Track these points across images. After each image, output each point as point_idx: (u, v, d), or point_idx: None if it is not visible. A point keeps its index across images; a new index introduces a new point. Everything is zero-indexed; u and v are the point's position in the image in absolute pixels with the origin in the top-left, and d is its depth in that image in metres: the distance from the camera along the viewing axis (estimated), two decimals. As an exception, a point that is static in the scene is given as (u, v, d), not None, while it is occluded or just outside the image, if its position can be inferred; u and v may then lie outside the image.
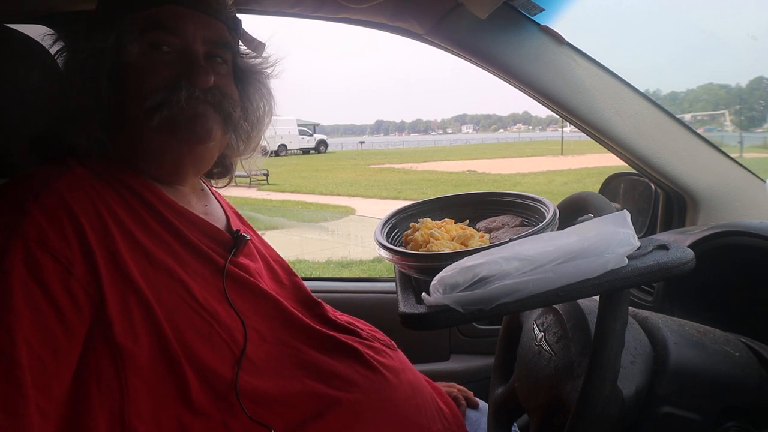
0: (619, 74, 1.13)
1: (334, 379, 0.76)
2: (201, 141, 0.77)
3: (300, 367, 0.75)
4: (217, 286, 0.74)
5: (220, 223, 0.86)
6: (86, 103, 0.74)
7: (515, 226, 0.80)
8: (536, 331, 0.80)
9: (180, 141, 0.76)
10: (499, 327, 1.00)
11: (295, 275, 0.95)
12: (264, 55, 0.90)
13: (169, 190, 0.79)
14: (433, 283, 0.58)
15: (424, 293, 0.59)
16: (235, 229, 0.84)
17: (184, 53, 0.76)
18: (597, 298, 0.61)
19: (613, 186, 1.44)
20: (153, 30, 0.75)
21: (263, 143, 0.96)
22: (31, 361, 0.57)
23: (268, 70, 0.90)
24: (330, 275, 5.31)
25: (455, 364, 1.56)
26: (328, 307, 0.92)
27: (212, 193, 0.94)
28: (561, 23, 1.11)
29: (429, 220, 0.82)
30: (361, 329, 0.89)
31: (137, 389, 0.63)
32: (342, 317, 0.92)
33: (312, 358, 0.77)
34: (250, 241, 0.84)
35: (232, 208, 0.96)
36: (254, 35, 0.88)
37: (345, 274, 5.43)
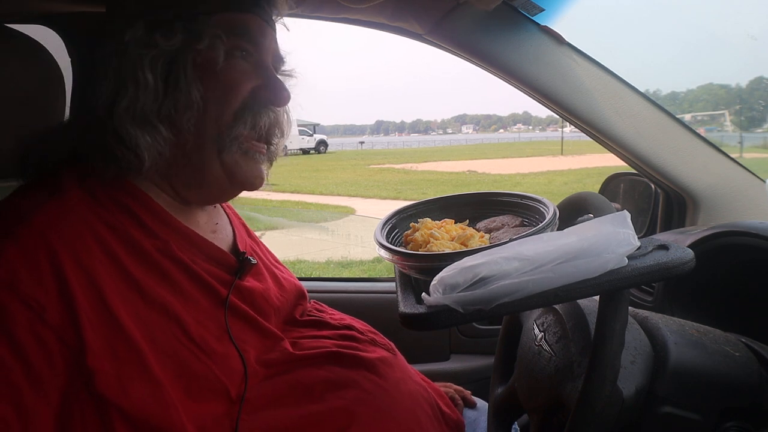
0: (619, 74, 1.13)
1: (333, 396, 0.73)
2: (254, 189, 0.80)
3: (298, 392, 0.72)
4: (218, 320, 0.70)
5: (226, 242, 0.83)
6: (165, 104, 0.69)
7: (515, 226, 0.80)
8: (536, 331, 0.80)
9: (236, 187, 0.77)
10: (499, 327, 1.00)
11: (304, 297, 0.93)
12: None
13: (179, 209, 0.76)
14: (433, 283, 0.58)
15: (424, 293, 0.59)
16: (242, 250, 0.81)
17: (260, 66, 0.75)
18: (597, 298, 0.61)
19: (613, 186, 1.44)
20: (237, 35, 0.72)
21: None
22: None
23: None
24: (330, 275, 5.31)
25: (455, 364, 1.56)
26: (327, 314, 0.92)
27: (222, 206, 0.90)
28: (561, 23, 1.12)
29: (429, 220, 0.82)
30: (361, 333, 0.87)
31: None
32: (340, 320, 0.91)
33: (310, 380, 0.74)
34: (258, 257, 0.81)
35: (239, 219, 0.93)
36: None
37: (345, 274, 5.42)
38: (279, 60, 0.80)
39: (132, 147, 0.68)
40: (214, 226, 0.83)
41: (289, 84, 0.81)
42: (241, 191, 0.79)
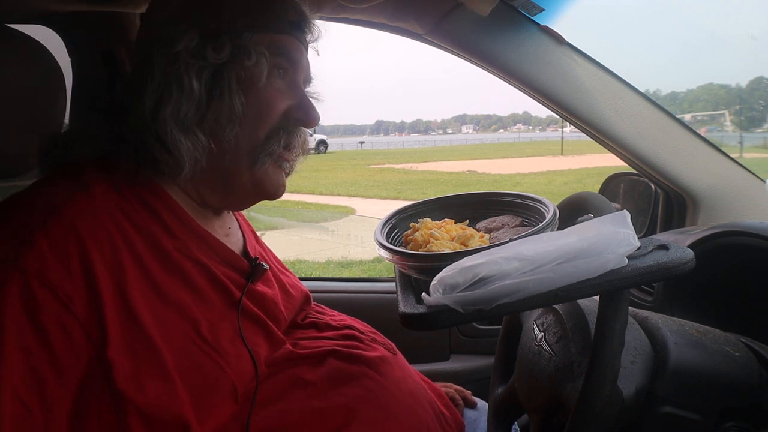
0: (619, 74, 1.13)
1: (334, 393, 0.74)
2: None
3: (300, 388, 0.74)
4: (231, 321, 0.71)
5: (238, 246, 0.83)
6: (206, 113, 0.70)
7: (515, 226, 0.80)
8: (536, 331, 0.80)
9: (260, 197, 0.78)
10: (499, 327, 1.00)
11: (309, 303, 0.94)
12: None
13: (197, 212, 0.76)
14: (433, 283, 0.58)
15: (424, 293, 0.59)
16: (253, 256, 0.82)
17: (294, 86, 0.77)
18: (597, 298, 0.61)
19: (613, 186, 1.44)
20: (278, 55, 0.73)
21: None
22: (14, 409, 0.53)
23: None
24: (330, 275, 5.31)
25: (455, 364, 1.56)
26: (328, 315, 0.92)
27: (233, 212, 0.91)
28: (561, 23, 1.12)
29: (429, 220, 0.83)
30: (361, 333, 0.88)
31: None
32: (341, 321, 0.92)
33: (312, 377, 0.75)
34: (266, 263, 0.82)
35: (249, 226, 0.94)
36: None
37: (345, 274, 5.42)
38: (308, 81, 0.82)
39: (173, 151, 0.68)
40: (227, 231, 0.83)
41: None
42: (262, 200, 0.80)
